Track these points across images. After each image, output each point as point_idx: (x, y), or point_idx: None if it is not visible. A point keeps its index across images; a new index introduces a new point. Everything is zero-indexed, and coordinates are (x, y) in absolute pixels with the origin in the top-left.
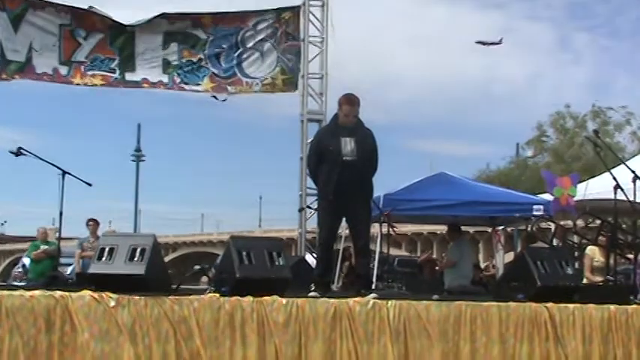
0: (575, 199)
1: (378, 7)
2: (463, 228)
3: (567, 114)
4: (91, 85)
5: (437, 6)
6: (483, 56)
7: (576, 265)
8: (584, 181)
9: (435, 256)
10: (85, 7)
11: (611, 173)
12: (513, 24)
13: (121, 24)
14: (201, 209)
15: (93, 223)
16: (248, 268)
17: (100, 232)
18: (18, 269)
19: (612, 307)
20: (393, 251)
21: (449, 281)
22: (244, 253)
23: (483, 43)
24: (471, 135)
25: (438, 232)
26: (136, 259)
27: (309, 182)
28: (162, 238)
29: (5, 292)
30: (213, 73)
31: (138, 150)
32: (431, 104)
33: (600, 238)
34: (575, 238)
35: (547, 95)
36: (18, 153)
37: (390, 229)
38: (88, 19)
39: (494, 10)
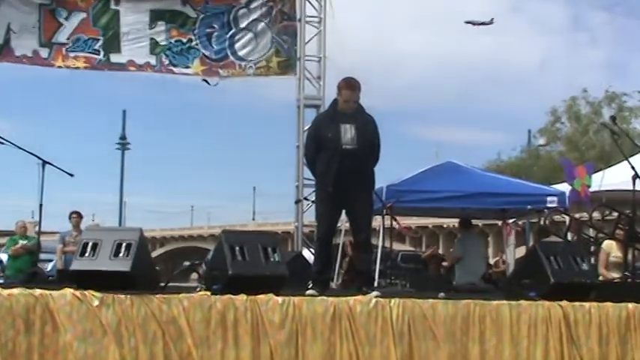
0: (591, 189)
1: None
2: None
3: (583, 99)
4: (74, 68)
5: None
6: (492, 38)
7: (592, 260)
8: (599, 170)
9: (441, 251)
10: None
11: (629, 162)
12: (524, 2)
13: None
14: (190, 201)
15: (76, 216)
16: (241, 265)
17: (83, 226)
18: None
19: (630, 305)
20: (396, 246)
21: (457, 278)
22: (237, 249)
23: (473, 24)
24: (480, 121)
25: (445, 226)
26: (121, 254)
27: (307, 172)
28: (149, 232)
29: None
30: (204, 54)
31: (123, 138)
32: (437, 89)
33: (617, 231)
34: (591, 232)
35: (560, 78)
36: None
37: (393, 223)
38: None
39: None
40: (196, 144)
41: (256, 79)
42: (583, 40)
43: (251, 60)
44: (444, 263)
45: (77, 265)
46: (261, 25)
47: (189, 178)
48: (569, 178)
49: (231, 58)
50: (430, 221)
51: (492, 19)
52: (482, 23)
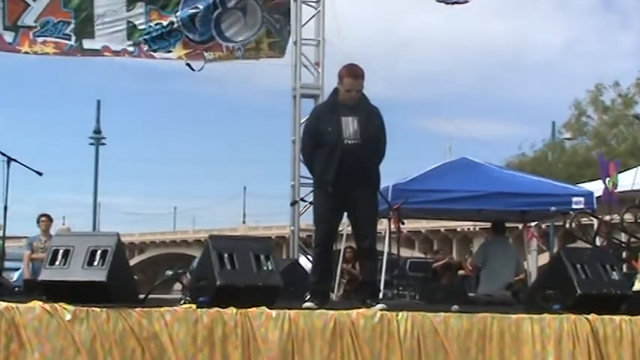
0: (623, 189)
1: None
2: (487, 224)
3: (611, 88)
4: (42, 54)
5: None
6: (513, 20)
7: (624, 268)
8: (631, 168)
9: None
10: None
11: None
12: None
13: None
14: (173, 202)
15: (45, 220)
16: (230, 274)
17: (53, 231)
18: None
19: None
20: (405, 252)
21: (480, 290)
22: (226, 256)
23: (446, 2)
24: (499, 113)
25: (459, 230)
26: (95, 263)
27: (304, 170)
28: (127, 237)
29: None
30: (187, 37)
31: (97, 132)
32: (451, 76)
33: None
34: (623, 237)
35: (589, 65)
36: None
37: (400, 226)
38: None
39: None
40: (179, 138)
41: (247, 64)
42: (613, 22)
43: (239, 41)
44: (460, 272)
45: (47, 274)
46: (249, 3)
47: (171, 176)
48: (604, 176)
49: (218, 39)
50: (442, 224)
51: None
52: (456, 2)
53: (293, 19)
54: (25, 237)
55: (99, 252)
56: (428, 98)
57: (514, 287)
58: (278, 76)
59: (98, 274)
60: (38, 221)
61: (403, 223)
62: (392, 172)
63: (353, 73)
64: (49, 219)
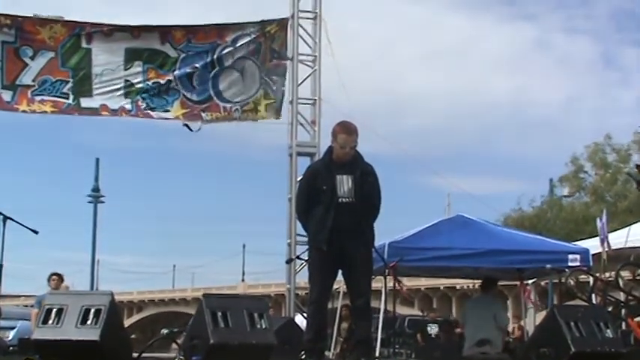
0: (617, 246)
1: (387, 19)
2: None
3: (608, 145)
4: (40, 112)
5: (457, 16)
6: (513, 76)
7: (623, 326)
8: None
9: (454, 315)
10: (30, 14)
11: None
12: (548, 37)
13: (75, 22)
14: (172, 260)
15: (56, 279)
16: (224, 333)
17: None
18: None
19: None
20: (403, 310)
21: (465, 348)
22: (220, 314)
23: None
24: (498, 169)
25: (458, 287)
26: (89, 322)
27: (299, 228)
28: (126, 295)
29: None
30: (185, 96)
31: (96, 190)
32: (451, 133)
33: None
34: (622, 295)
35: (589, 122)
36: None
37: (396, 285)
38: (36, 34)
39: (525, 21)
40: (178, 196)
41: (244, 122)
42: (614, 79)
43: (237, 102)
44: (457, 330)
45: (40, 333)
46: (248, 64)
47: (171, 235)
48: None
49: (215, 99)
50: (441, 282)
51: None
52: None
53: (289, 78)
54: (20, 295)
55: (92, 311)
56: (427, 154)
57: (486, 343)
58: (275, 133)
59: (91, 333)
60: (49, 280)
61: (400, 282)
62: (391, 229)
63: (346, 129)
64: (61, 278)
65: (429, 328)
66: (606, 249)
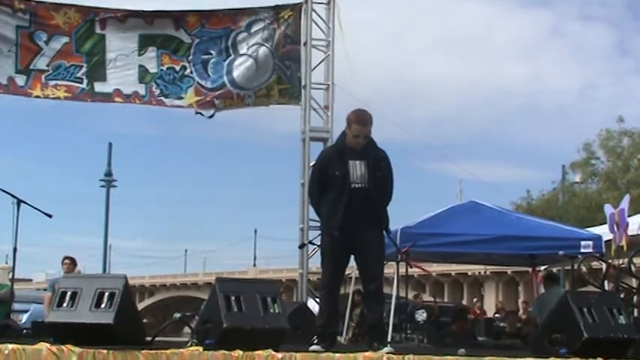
0: (632, 233)
1: (402, 5)
2: (498, 268)
3: (621, 131)
4: (54, 98)
5: (471, 4)
6: (527, 64)
7: (635, 312)
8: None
9: (465, 301)
10: None
11: None
12: (563, 25)
13: (89, 7)
14: (184, 245)
15: (69, 262)
16: (237, 317)
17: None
18: None
19: None
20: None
21: None
22: (233, 299)
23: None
24: (511, 157)
25: (470, 273)
26: (103, 305)
27: (312, 213)
28: (138, 279)
29: None
30: (199, 83)
31: (109, 174)
32: (462, 120)
33: None
34: (634, 281)
35: (603, 110)
36: None
37: (411, 269)
38: (50, 19)
39: (541, 8)
40: (191, 181)
41: (257, 108)
42: (628, 66)
43: (250, 88)
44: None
45: (54, 316)
46: (262, 50)
47: (183, 219)
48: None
49: (229, 87)
50: (453, 268)
51: None
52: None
53: (303, 63)
54: (29, 279)
55: (106, 294)
56: (440, 141)
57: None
58: (288, 119)
59: (105, 317)
60: (62, 263)
61: (411, 267)
62: (401, 215)
63: (361, 119)
64: (74, 262)
65: (416, 315)
66: (629, 234)
